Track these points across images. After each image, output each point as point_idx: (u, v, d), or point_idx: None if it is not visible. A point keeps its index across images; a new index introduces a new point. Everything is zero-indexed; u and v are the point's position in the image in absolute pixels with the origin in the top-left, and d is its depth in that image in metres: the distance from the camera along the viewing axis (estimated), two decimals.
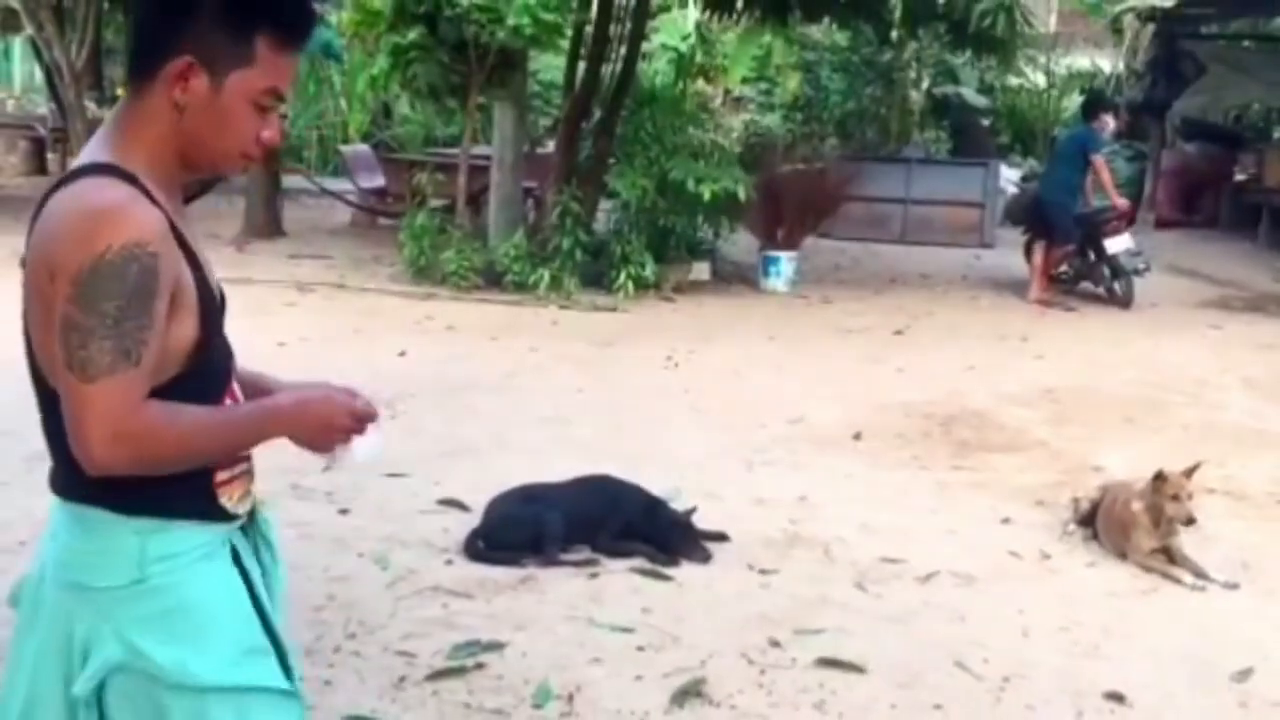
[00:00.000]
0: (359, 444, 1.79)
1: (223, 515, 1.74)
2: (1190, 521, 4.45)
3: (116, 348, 1.54)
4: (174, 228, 1.63)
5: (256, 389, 1.83)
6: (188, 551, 1.69)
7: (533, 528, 4.34)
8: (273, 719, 1.74)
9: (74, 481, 1.64)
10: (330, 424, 1.76)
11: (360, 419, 1.77)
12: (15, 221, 12.30)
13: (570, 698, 3.32)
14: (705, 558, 4.38)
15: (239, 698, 1.69)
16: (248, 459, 1.81)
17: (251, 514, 1.84)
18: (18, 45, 19.76)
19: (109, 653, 1.64)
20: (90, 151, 1.67)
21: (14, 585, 1.80)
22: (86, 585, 1.66)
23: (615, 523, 4.47)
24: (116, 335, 1.54)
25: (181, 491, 1.67)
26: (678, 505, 4.64)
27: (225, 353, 1.77)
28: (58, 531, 1.72)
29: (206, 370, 1.69)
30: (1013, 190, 16.02)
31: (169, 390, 1.62)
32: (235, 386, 1.79)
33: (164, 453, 1.61)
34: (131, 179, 1.61)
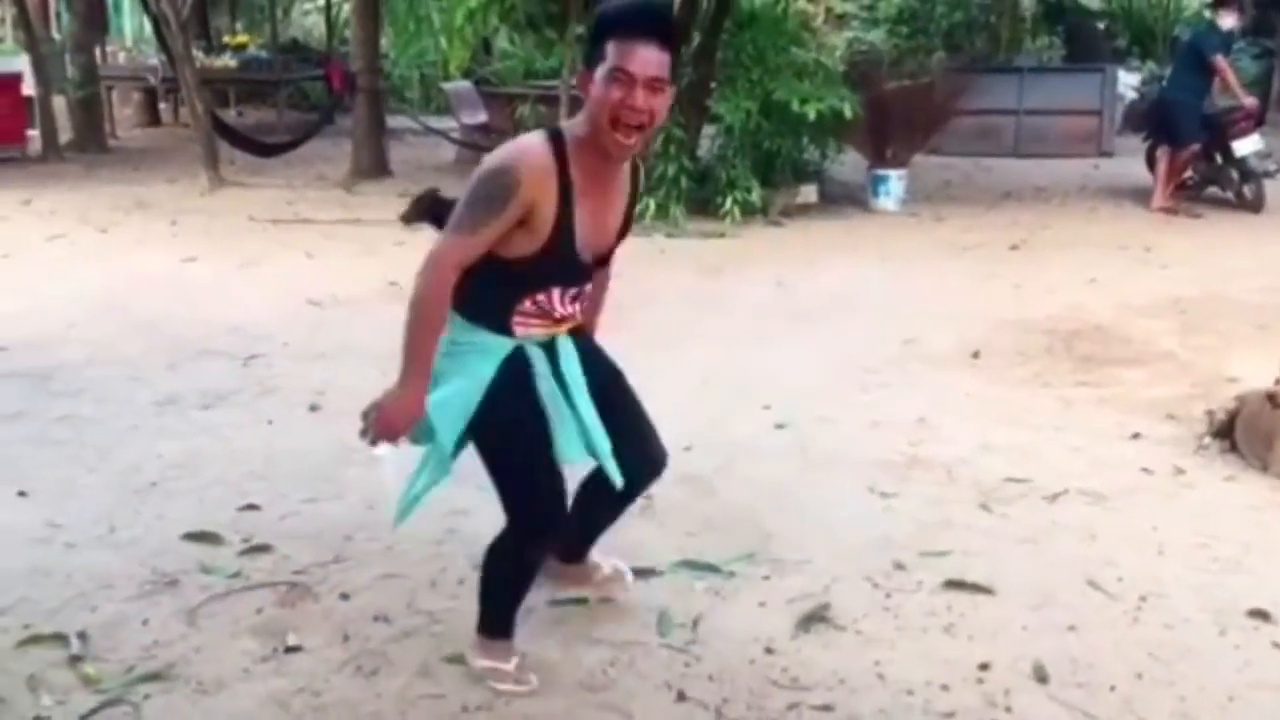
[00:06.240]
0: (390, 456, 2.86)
1: (510, 335, 2.80)
2: None
3: (467, 220, 2.62)
4: (566, 181, 2.65)
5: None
6: (468, 344, 2.80)
7: None
8: (433, 453, 2.88)
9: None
10: (391, 420, 2.74)
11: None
12: (134, 171, 12.68)
13: (695, 624, 3.31)
14: None
15: (427, 423, 2.78)
16: (553, 321, 2.83)
17: (553, 343, 2.87)
18: None
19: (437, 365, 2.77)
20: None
21: None
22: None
23: None
24: (470, 213, 2.62)
25: (487, 316, 2.79)
26: (788, 433, 4.58)
27: (561, 271, 2.76)
28: None
29: (532, 272, 2.73)
30: (1132, 96, 15.40)
31: (506, 263, 2.69)
32: (554, 293, 2.78)
33: (421, 297, 2.66)
34: (559, 139, 2.68)
